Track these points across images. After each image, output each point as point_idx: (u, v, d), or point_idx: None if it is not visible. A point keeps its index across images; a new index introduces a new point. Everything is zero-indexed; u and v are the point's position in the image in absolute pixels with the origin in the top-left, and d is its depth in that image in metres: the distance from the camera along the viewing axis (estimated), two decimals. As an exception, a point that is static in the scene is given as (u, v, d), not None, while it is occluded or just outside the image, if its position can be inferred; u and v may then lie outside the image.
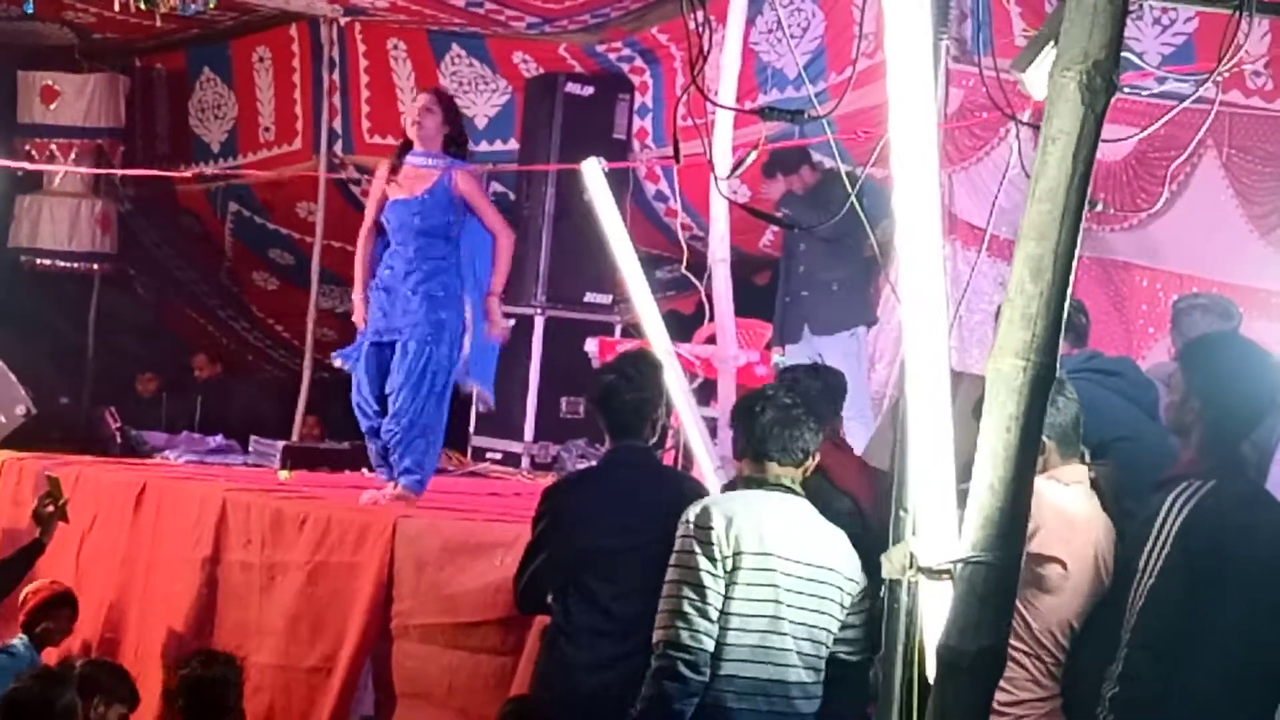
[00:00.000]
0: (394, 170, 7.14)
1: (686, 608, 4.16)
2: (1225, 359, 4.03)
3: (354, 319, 7.30)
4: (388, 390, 7.05)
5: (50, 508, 7.04)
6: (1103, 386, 5.23)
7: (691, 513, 4.29)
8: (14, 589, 7.16)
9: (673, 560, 4.26)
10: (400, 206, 7.07)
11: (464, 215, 7.10)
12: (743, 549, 4.20)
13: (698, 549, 4.20)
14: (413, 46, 10.43)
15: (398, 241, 7.07)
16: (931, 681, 2.91)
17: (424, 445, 7.06)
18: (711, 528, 4.20)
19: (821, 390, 5.18)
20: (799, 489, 4.41)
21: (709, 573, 4.17)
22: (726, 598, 4.19)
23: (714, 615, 4.17)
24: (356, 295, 7.27)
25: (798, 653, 4.26)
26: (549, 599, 5.03)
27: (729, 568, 4.19)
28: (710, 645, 4.17)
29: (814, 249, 8.00)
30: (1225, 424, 3.89)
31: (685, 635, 4.15)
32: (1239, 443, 3.93)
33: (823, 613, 4.29)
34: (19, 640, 6.88)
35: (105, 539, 7.70)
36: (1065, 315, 2.75)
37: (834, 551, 4.34)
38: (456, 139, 7.20)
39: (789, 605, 4.24)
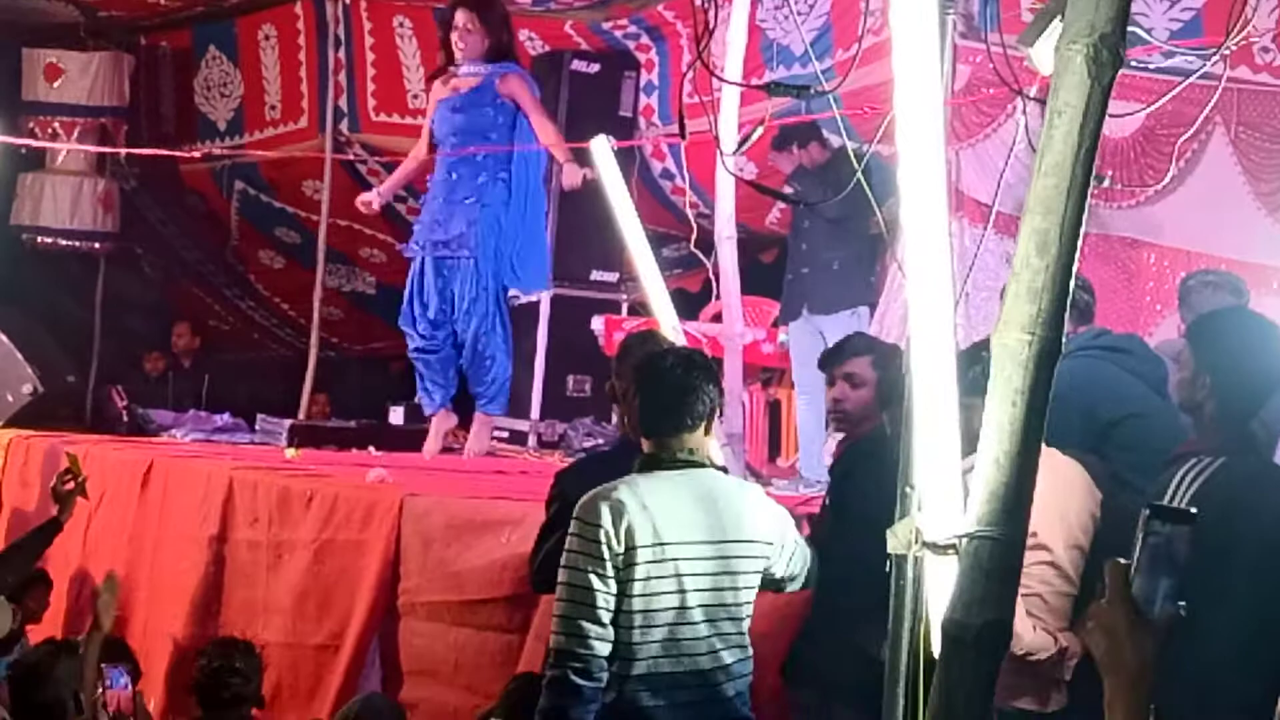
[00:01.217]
0: (443, 82, 7.11)
1: (574, 613, 3.98)
2: (1235, 334, 4.01)
3: (358, 201, 7.29)
4: (451, 308, 6.98)
5: (70, 485, 7.02)
6: (1111, 363, 5.21)
7: (578, 508, 4.06)
8: (32, 567, 7.16)
9: (562, 560, 4.06)
10: (443, 105, 7.05)
11: (511, 118, 6.98)
12: (636, 543, 3.97)
13: (584, 549, 3.99)
14: (419, 24, 10.41)
15: (443, 143, 7.03)
16: (937, 656, 2.91)
17: (495, 363, 7.00)
18: (600, 525, 3.97)
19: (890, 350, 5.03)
20: (700, 457, 4.16)
21: (597, 574, 3.96)
22: (627, 596, 3.98)
23: (606, 618, 3.96)
24: (384, 189, 7.30)
25: (717, 635, 4.06)
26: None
27: (621, 565, 3.97)
28: (604, 649, 3.97)
29: (817, 227, 7.97)
30: (1236, 398, 3.87)
31: (575, 643, 3.96)
32: (1249, 419, 3.91)
33: (739, 588, 4.09)
34: None
35: (112, 517, 7.71)
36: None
37: (745, 519, 4.11)
38: (501, 46, 7.08)
39: (696, 590, 4.03)
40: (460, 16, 7.11)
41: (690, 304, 8.64)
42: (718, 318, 8.03)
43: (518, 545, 5.77)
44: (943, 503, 3.02)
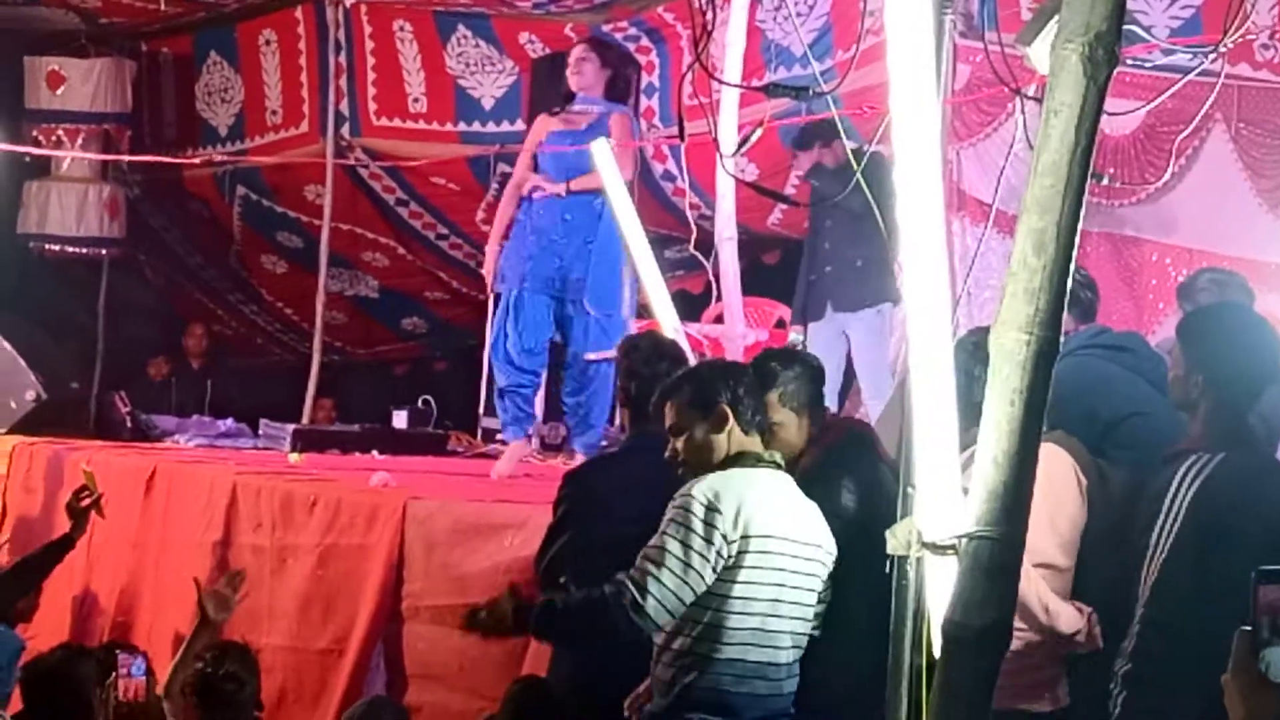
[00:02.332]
0: (555, 115, 7.17)
1: (664, 561, 4.02)
2: (1224, 330, 4.02)
3: (484, 272, 7.42)
4: (568, 351, 7.03)
5: (85, 501, 6.99)
6: (1112, 362, 5.19)
7: (702, 490, 4.10)
8: (42, 583, 7.12)
9: (670, 528, 4.07)
10: (557, 138, 7.10)
11: None
12: (750, 533, 4.08)
13: (700, 528, 4.05)
14: (419, 28, 10.42)
15: (554, 176, 7.08)
16: (938, 657, 2.91)
17: (599, 409, 7.05)
18: (721, 511, 4.06)
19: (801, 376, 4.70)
20: (780, 461, 4.32)
21: (700, 554, 4.03)
22: (730, 581, 4.08)
23: (687, 597, 4.04)
24: (491, 248, 7.34)
25: (790, 633, 4.18)
26: (567, 581, 5.02)
27: (733, 552, 4.07)
28: (663, 620, 4.05)
29: (840, 225, 7.90)
30: (1230, 394, 3.87)
31: (649, 582, 4.00)
32: (1245, 413, 3.91)
33: (811, 590, 4.22)
34: None
35: (116, 523, 7.70)
36: (1070, 290, 2.75)
37: (819, 527, 4.25)
38: (618, 83, 7.13)
39: (790, 587, 4.15)
40: (577, 49, 7.19)
41: (692, 305, 8.64)
42: (719, 319, 8.03)
43: (521, 548, 5.77)
44: (942, 502, 3.02)
